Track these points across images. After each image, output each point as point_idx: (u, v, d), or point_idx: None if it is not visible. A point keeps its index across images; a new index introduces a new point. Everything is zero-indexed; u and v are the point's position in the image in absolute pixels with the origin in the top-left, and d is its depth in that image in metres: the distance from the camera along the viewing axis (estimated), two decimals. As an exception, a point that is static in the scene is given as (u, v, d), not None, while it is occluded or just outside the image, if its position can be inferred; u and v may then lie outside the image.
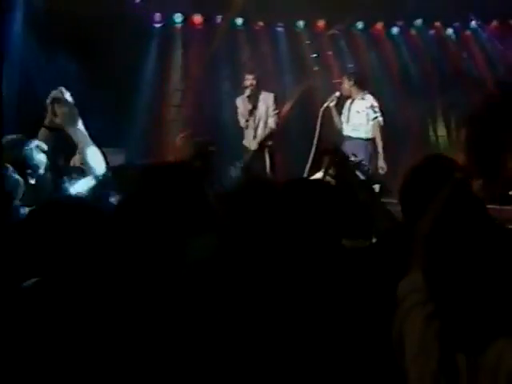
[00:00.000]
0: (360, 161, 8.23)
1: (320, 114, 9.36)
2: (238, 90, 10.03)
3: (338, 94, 9.52)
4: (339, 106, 9.61)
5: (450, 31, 12.82)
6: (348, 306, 2.50)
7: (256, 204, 2.85)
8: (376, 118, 9.38)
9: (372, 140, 9.41)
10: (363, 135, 9.45)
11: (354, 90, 9.50)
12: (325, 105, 9.45)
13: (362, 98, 9.49)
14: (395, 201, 4.47)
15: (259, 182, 3.69)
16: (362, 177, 4.14)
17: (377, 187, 5.87)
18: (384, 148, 9.54)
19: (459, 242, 2.08)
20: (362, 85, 9.64)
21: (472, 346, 1.98)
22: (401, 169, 7.52)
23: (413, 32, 12.72)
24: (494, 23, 12.70)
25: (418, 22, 12.56)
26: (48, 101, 4.18)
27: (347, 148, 8.99)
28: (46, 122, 4.23)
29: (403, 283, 2.29)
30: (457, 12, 12.19)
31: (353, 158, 8.24)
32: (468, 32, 12.89)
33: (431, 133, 12.07)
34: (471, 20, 12.68)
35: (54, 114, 4.14)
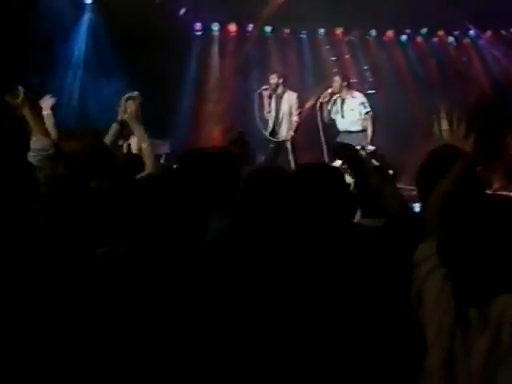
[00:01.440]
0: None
1: (317, 109, 9.65)
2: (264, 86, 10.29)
3: (330, 90, 9.68)
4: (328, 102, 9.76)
5: (451, 39, 13.02)
6: (366, 275, 2.47)
7: (267, 187, 2.75)
8: (368, 112, 9.56)
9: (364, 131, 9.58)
10: (359, 128, 9.60)
11: (344, 90, 9.65)
12: (320, 100, 9.69)
13: (353, 97, 9.68)
14: (404, 186, 4.58)
15: (271, 167, 3.72)
16: (376, 164, 4.18)
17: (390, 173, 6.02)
18: (389, 139, 9.72)
19: (468, 214, 2.19)
20: (351, 86, 9.87)
21: (480, 301, 2.06)
22: (408, 159, 7.66)
23: (419, 39, 12.91)
24: (489, 33, 12.91)
25: (424, 30, 12.76)
26: (123, 99, 4.27)
27: (345, 140, 9.28)
28: (118, 117, 4.25)
29: (419, 250, 2.34)
30: (457, 22, 12.38)
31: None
32: (467, 40, 13.09)
33: (435, 128, 12.04)
34: (470, 29, 12.88)
35: (125, 111, 4.18)
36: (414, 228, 2.53)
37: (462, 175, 2.54)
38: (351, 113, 9.64)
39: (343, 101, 9.69)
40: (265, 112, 9.94)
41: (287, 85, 9.94)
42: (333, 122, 9.81)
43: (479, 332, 2.04)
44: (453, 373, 2.09)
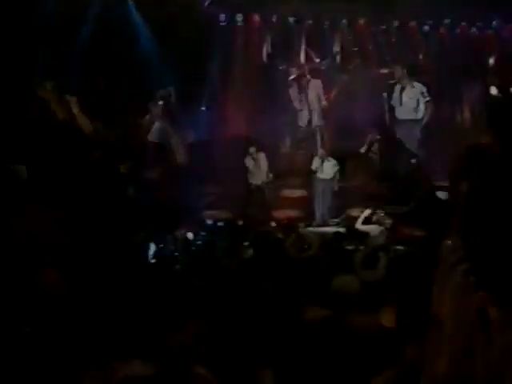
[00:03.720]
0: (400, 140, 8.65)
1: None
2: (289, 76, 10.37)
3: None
4: None
5: (474, 30, 12.79)
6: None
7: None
8: (428, 101, 9.79)
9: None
10: (415, 116, 9.74)
11: (405, 79, 9.81)
12: None
13: (413, 86, 9.79)
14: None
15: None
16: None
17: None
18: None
19: (490, 211, 2.11)
20: (410, 74, 10.00)
21: (501, 299, 2.00)
22: (431, 150, 7.61)
23: (442, 30, 12.69)
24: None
25: (447, 21, 12.56)
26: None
27: (401, 128, 9.39)
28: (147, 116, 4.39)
29: (444, 246, 2.27)
30: (480, 14, 12.20)
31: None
32: (490, 31, 12.84)
33: (458, 116, 12.00)
34: (493, 21, 12.64)
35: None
36: (438, 213, 2.44)
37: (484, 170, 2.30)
38: (409, 101, 9.76)
39: (402, 89, 9.81)
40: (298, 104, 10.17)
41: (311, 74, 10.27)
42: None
43: (500, 331, 1.98)
44: (471, 371, 2.02)
